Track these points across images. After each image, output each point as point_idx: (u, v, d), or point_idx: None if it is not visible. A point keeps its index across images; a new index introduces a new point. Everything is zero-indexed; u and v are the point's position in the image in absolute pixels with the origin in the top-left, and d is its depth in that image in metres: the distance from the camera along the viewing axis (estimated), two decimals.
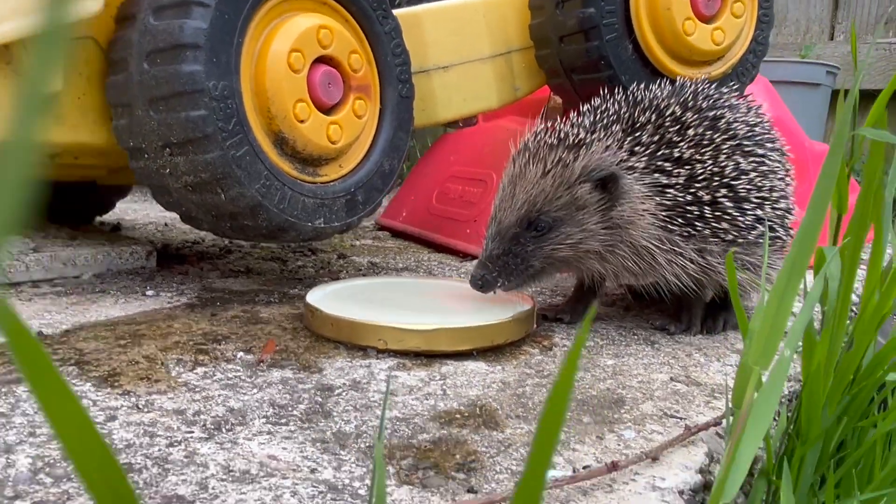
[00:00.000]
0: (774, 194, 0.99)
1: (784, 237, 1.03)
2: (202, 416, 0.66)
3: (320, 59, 1.06)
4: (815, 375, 0.67)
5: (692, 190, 0.94)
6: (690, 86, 1.03)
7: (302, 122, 1.03)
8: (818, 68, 2.69)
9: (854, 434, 0.89)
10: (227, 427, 0.64)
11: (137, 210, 2.08)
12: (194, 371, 0.78)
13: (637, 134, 0.96)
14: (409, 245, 1.73)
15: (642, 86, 1.04)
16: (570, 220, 0.93)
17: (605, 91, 1.04)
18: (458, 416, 0.70)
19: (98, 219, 1.69)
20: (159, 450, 0.59)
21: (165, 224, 1.82)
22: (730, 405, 0.65)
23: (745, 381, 0.59)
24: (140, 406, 0.68)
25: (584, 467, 0.61)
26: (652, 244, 0.94)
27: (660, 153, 0.95)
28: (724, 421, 0.71)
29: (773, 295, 0.55)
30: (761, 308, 0.60)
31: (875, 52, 3.39)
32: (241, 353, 0.84)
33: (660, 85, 1.03)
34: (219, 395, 0.71)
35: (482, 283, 0.93)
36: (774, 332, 0.55)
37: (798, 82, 2.60)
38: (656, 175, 0.94)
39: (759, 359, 0.56)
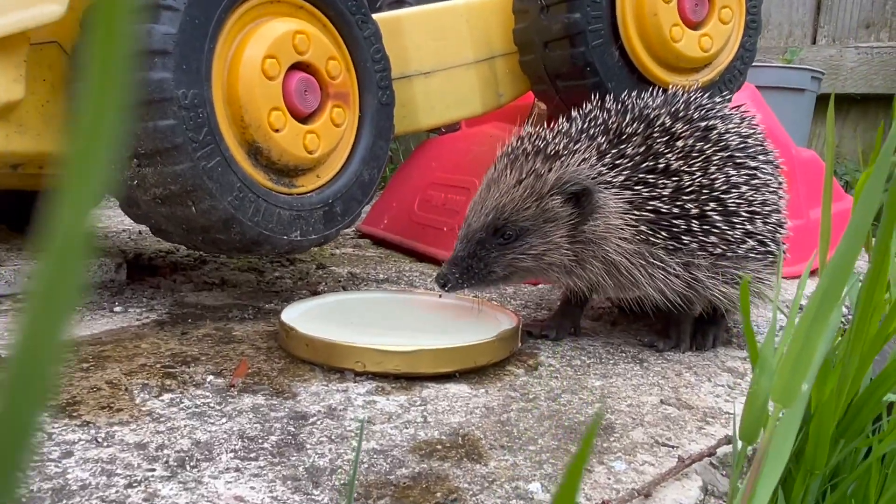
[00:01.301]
0: (766, 208, 0.96)
1: (776, 252, 1.01)
2: (165, 451, 0.62)
3: (296, 66, 1.02)
4: (826, 406, 0.64)
5: (679, 202, 0.92)
6: (682, 95, 1.00)
7: (277, 131, 0.99)
8: (803, 73, 2.68)
9: (849, 456, 0.86)
10: (191, 463, 0.60)
11: (111, 217, 2.02)
12: (160, 398, 0.73)
13: (623, 146, 0.93)
14: (390, 254, 1.69)
15: (632, 94, 1.01)
16: (536, 231, 0.92)
17: (596, 99, 1.01)
18: (439, 446, 0.66)
19: None
20: (116, 491, 0.55)
21: (139, 232, 1.77)
22: (736, 437, 0.62)
23: (755, 414, 0.55)
24: (99, 439, 0.63)
25: None
26: (627, 260, 0.92)
27: (644, 165, 0.92)
28: (718, 450, 0.68)
29: (799, 328, 0.51)
30: (772, 336, 0.57)
31: (857, 57, 3.39)
32: (211, 377, 0.80)
33: (652, 94, 1.00)
34: (185, 426, 0.67)
35: (444, 283, 0.92)
36: (799, 368, 0.51)
37: (783, 87, 2.58)
38: (638, 188, 0.91)
39: (782, 396, 0.52)
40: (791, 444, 0.48)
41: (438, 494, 0.58)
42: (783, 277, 1.40)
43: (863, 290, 0.68)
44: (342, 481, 0.59)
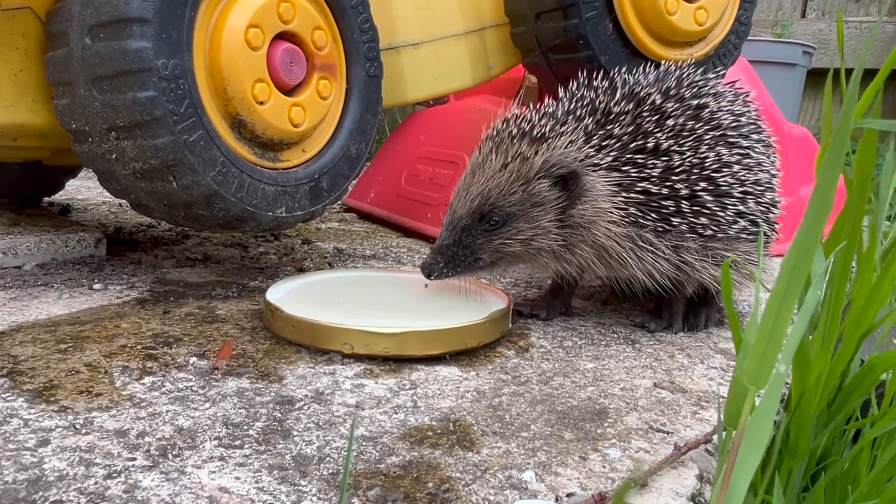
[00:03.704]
0: (759, 188, 0.95)
1: (768, 232, 0.99)
2: (146, 439, 0.60)
3: (281, 36, 0.98)
4: (809, 394, 0.63)
5: (668, 183, 0.90)
6: (675, 72, 0.98)
7: (261, 103, 0.95)
8: (795, 48, 2.65)
9: (841, 436, 0.85)
10: (174, 452, 0.58)
11: (91, 188, 1.98)
12: (141, 381, 0.71)
13: (610, 126, 0.90)
14: (377, 229, 1.67)
15: (623, 70, 0.98)
16: (523, 216, 0.89)
17: (586, 75, 0.98)
18: (429, 433, 0.65)
19: (46, 199, 1.60)
20: (95, 482, 0.53)
21: (119, 205, 1.73)
22: (722, 420, 0.61)
23: (738, 399, 0.54)
24: (77, 426, 0.61)
25: (568, 495, 0.56)
26: (616, 244, 0.90)
27: (633, 145, 0.90)
28: (714, 437, 0.66)
29: (769, 309, 0.50)
30: (755, 319, 0.55)
31: (846, 31, 3.37)
32: (194, 359, 0.78)
33: (644, 71, 0.98)
34: (167, 412, 0.65)
35: (429, 272, 0.91)
36: (770, 349, 0.50)
37: (774, 62, 2.56)
38: (626, 168, 0.89)
39: (755, 378, 0.51)
40: (769, 428, 0.47)
41: (430, 484, 0.56)
42: (773, 256, 1.39)
43: (835, 270, 0.67)
44: (330, 470, 0.57)
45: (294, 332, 0.83)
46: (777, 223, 1.00)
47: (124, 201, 1.75)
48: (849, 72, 0.66)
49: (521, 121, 0.92)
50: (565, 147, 0.88)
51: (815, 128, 3.31)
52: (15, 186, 1.42)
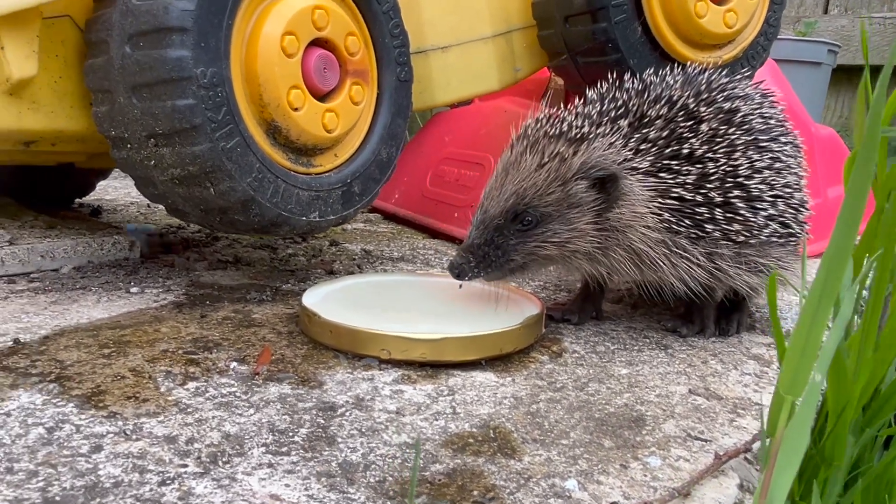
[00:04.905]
0: (788, 190, 0.95)
1: (799, 233, 0.99)
2: (196, 445, 0.61)
3: (315, 42, 0.99)
4: (850, 405, 0.63)
5: (703, 190, 0.89)
6: (703, 74, 0.97)
7: (296, 110, 0.96)
8: (819, 46, 2.63)
9: (872, 442, 0.85)
10: (223, 459, 0.59)
11: (118, 188, 2.01)
12: (185, 386, 0.72)
13: (645, 130, 0.90)
14: (402, 230, 1.68)
15: (652, 71, 0.98)
16: (559, 217, 0.89)
17: (615, 77, 0.98)
18: (471, 440, 0.66)
19: (77, 200, 1.62)
20: (150, 489, 0.54)
21: (148, 205, 1.75)
22: (764, 429, 0.61)
23: (780, 407, 0.54)
24: (128, 432, 0.62)
25: None
26: (651, 248, 0.90)
27: (669, 150, 0.90)
28: (754, 446, 0.67)
29: (803, 319, 0.50)
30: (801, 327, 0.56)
31: (869, 27, 3.34)
32: (234, 364, 0.79)
33: (671, 71, 0.98)
34: (213, 417, 0.66)
35: (459, 273, 0.89)
36: (806, 358, 0.51)
37: (798, 61, 2.54)
38: (662, 175, 0.89)
39: (791, 387, 0.52)
40: (806, 437, 0.47)
41: (475, 493, 0.57)
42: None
43: (875, 280, 0.67)
44: (377, 478, 0.58)
45: (332, 338, 0.84)
46: (806, 223, 1.00)
47: (153, 202, 1.77)
48: (873, 69, 0.65)
49: (556, 121, 0.92)
50: (605, 149, 0.88)
51: (839, 125, 3.29)
52: (49, 188, 1.44)
